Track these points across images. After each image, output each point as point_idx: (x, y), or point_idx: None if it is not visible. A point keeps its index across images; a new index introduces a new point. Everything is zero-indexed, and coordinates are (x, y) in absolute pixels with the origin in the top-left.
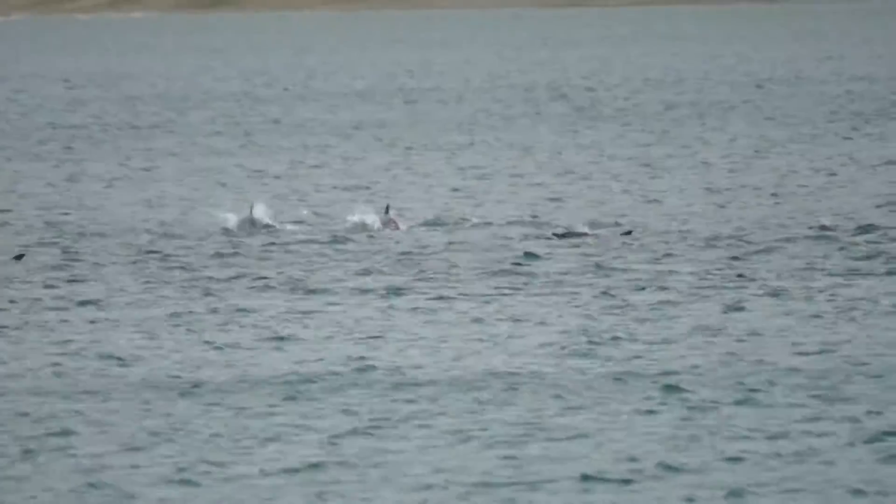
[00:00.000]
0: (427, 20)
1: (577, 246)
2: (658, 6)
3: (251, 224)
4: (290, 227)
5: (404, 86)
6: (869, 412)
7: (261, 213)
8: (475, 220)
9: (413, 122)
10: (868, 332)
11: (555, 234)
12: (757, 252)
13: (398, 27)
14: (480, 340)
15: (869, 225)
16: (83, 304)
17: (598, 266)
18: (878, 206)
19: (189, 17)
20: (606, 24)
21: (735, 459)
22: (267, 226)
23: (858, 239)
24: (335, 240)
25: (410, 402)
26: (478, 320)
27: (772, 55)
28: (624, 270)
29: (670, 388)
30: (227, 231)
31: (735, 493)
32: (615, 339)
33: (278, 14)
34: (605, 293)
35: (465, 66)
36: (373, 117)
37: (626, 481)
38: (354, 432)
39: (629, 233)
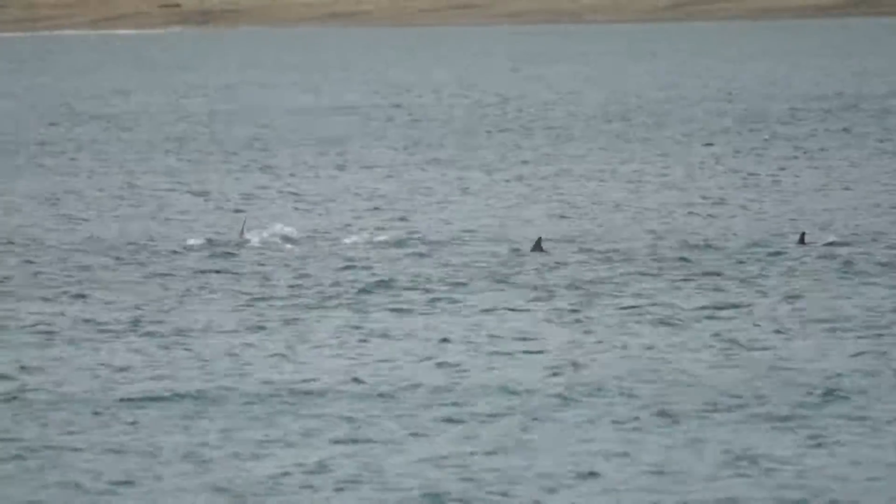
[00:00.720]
0: (423, 38)
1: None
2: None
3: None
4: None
5: (354, 103)
6: (822, 427)
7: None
8: (404, 237)
9: (357, 139)
10: (798, 343)
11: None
12: (678, 265)
13: (390, 44)
14: (410, 355)
15: (786, 240)
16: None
17: (520, 280)
18: (798, 221)
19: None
20: (592, 42)
21: (660, 473)
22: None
23: (792, 252)
24: (268, 254)
25: (317, 416)
26: (406, 335)
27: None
28: (538, 285)
29: (580, 403)
30: (155, 252)
31: None
32: (546, 349)
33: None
34: (525, 304)
35: (440, 84)
36: (320, 134)
37: (552, 489)
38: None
39: (538, 242)
